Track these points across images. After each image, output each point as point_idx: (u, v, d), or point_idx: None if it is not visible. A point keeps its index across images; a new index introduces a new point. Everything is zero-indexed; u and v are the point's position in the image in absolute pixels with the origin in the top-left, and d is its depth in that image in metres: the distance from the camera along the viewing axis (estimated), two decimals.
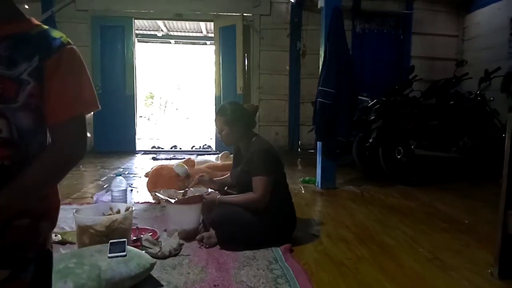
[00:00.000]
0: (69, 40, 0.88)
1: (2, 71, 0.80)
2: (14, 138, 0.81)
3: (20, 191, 0.81)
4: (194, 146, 7.23)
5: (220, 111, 2.30)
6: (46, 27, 0.88)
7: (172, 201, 2.28)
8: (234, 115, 2.26)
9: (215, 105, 6.45)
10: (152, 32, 9.00)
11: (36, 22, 0.89)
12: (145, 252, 1.88)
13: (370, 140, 4.19)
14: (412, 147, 4.22)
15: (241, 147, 2.38)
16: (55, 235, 2.16)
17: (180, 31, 8.97)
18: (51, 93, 0.83)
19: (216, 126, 2.34)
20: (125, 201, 2.61)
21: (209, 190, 2.50)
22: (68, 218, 2.45)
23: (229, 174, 2.54)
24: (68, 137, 0.86)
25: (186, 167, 3.26)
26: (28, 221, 0.85)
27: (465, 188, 3.91)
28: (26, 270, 0.85)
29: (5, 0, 0.85)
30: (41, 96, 0.84)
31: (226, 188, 2.50)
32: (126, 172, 4.54)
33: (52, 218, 0.92)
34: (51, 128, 0.86)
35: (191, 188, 2.56)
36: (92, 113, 0.94)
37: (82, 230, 1.93)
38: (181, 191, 2.50)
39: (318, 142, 3.85)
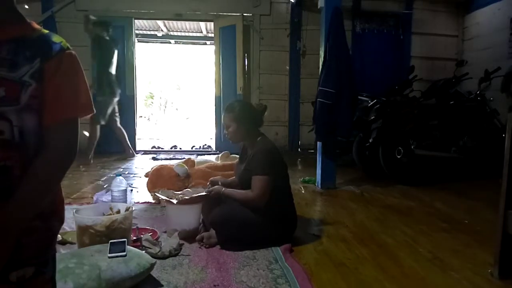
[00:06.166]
0: (69, 46, 0.90)
1: (4, 74, 0.82)
2: (15, 139, 0.83)
3: (23, 204, 0.83)
4: (194, 146, 7.23)
5: (228, 108, 2.34)
6: (46, 31, 0.90)
7: (175, 202, 2.28)
8: (242, 112, 2.29)
9: (215, 105, 6.46)
10: (152, 32, 9.00)
11: (37, 26, 0.90)
12: (145, 252, 1.88)
13: (370, 140, 4.19)
14: (412, 147, 4.22)
15: (247, 145, 2.40)
16: None
17: (180, 31, 8.98)
18: (48, 95, 0.85)
19: (223, 122, 2.37)
20: (125, 201, 2.61)
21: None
22: (68, 218, 2.42)
23: (234, 176, 2.55)
24: (63, 138, 0.88)
25: (186, 167, 3.27)
26: (41, 224, 0.89)
27: (465, 188, 3.91)
28: (47, 266, 0.92)
29: (6, 4, 0.86)
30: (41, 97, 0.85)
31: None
32: (126, 172, 4.54)
33: (60, 215, 0.97)
34: (46, 128, 0.87)
35: (189, 189, 2.56)
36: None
37: (82, 230, 1.93)
38: (180, 192, 2.50)
39: (318, 142, 3.85)
